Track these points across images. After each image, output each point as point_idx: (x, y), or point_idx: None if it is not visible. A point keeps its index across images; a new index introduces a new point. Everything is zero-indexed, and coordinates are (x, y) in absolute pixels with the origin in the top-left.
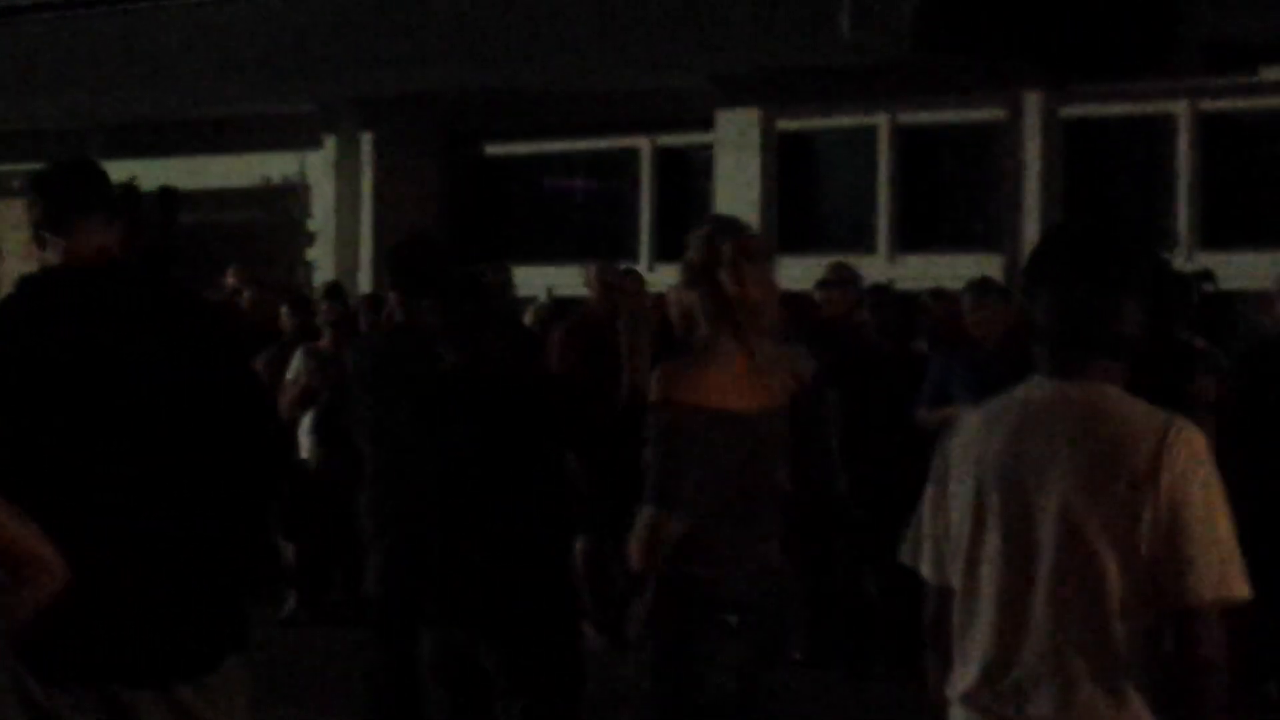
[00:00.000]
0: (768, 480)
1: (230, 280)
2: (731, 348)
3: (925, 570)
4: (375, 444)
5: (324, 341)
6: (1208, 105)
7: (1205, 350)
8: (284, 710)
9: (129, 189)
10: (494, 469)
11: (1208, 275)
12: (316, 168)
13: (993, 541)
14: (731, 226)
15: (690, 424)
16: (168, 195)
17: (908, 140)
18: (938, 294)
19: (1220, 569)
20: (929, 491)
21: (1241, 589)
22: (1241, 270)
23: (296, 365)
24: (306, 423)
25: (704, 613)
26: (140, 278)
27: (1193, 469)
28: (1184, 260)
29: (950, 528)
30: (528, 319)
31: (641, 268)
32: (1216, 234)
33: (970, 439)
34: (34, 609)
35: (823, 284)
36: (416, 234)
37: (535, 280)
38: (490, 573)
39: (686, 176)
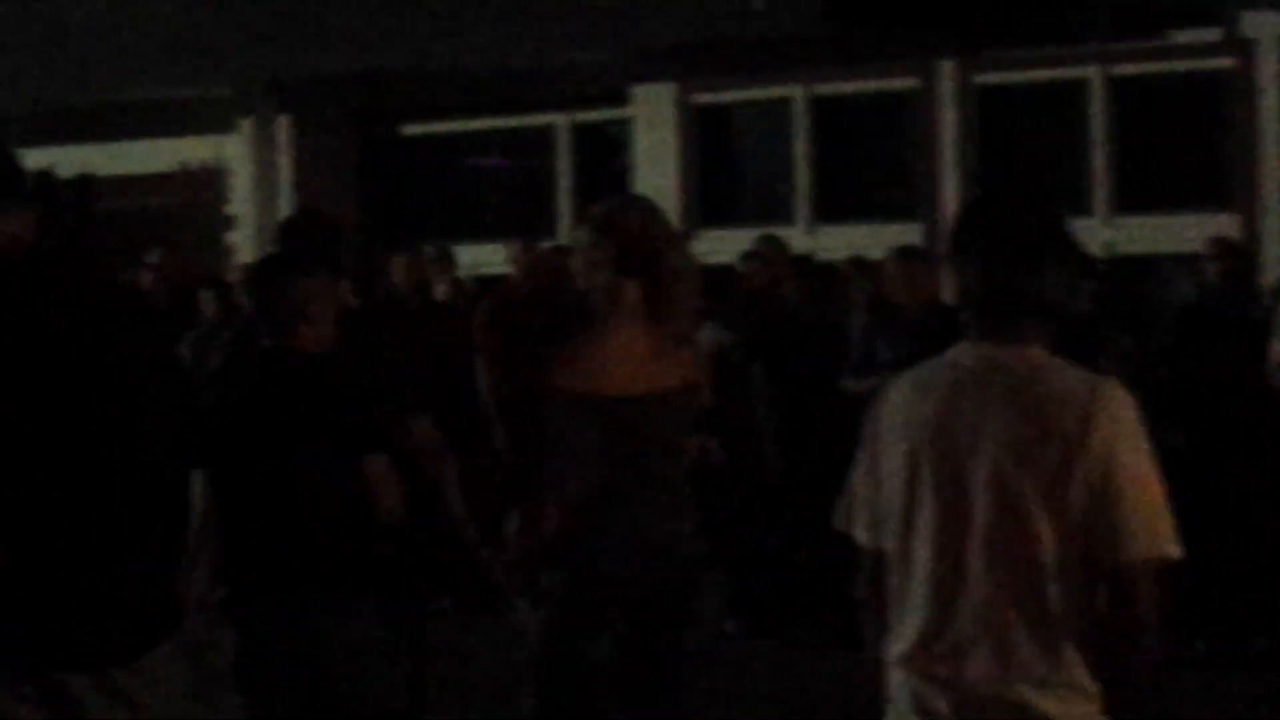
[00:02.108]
0: (659, 462)
1: (152, 263)
2: (624, 329)
3: (859, 535)
4: None
5: None
6: (1119, 70)
7: (1110, 333)
8: (224, 692)
9: (45, 177)
10: (298, 454)
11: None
12: (233, 151)
13: (926, 505)
14: (641, 205)
15: (565, 412)
16: (84, 182)
17: (823, 111)
18: (858, 263)
19: (1151, 529)
20: (861, 457)
21: (1173, 548)
22: (1155, 234)
23: None
24: None
25: (581, 590)
26: (55, 267)
27: (1122, 430)
28: (1100, 224)
29: (883, 492)
30: (439, 294)
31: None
32: (1130, 198)
33: (901, 404)
34: None
35: (747, 256)
36: (306, 213)
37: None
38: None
39: (604, 152)
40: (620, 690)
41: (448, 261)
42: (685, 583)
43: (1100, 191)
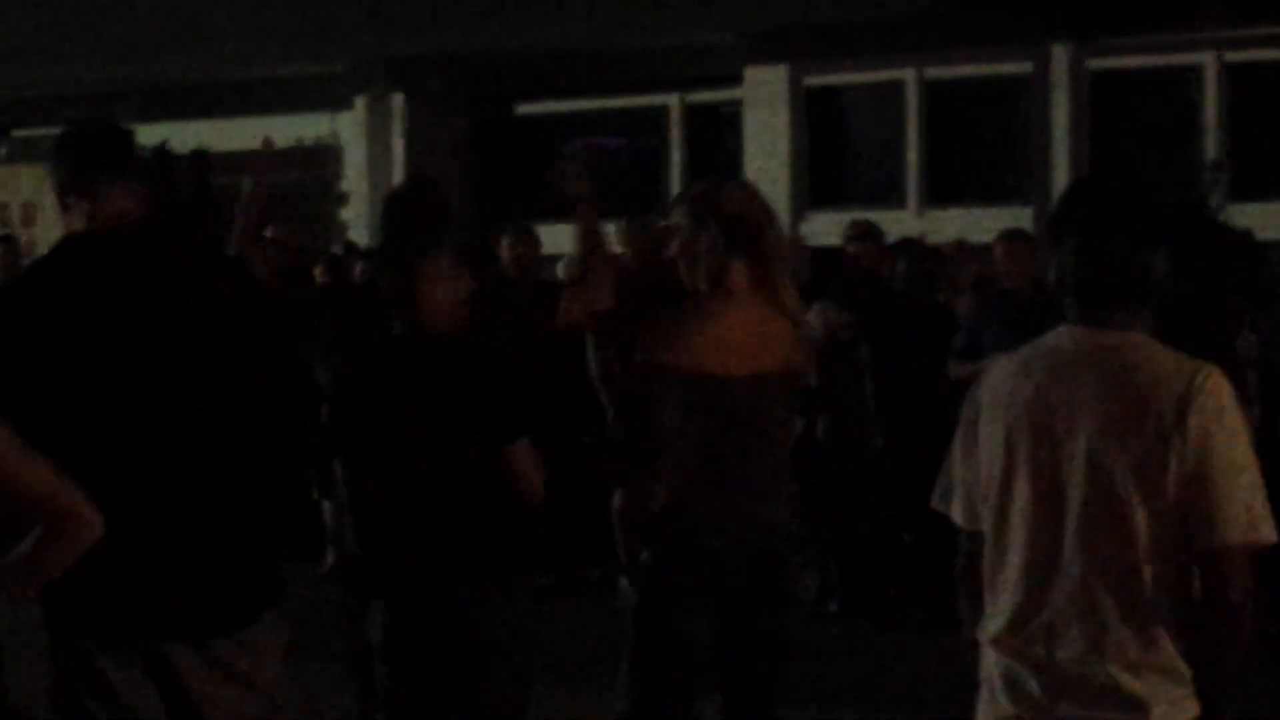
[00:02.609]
0: (760, 442)
1: (264, 239)
2: (729, 309)
3: (956, 515)
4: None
5: None
6: (1234, 56)
7: (1248, 308)
8: (321, 663)
9: (162, 152)
10: (443, 439)
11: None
12: (348, 128)
13: (1022, 487)
14: (739, 185)
15: (670, 391)
16: (200, 157)
17: (935, 94)
18: (962, 246)
19: (1247, 514)
20: (959, 438)
21: (1269, 533)
22: (1270, 220)
23: None
24: None
25: (680, 567)
26: (165, 239)
27: (1219, 416)
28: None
29: (980, 473)
30: (561, 274)
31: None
32: (1245, 184)
33: (1000, 386)
34: (69, 562)
35: (854, 237)
36: (415, 184)
37: (566, 239)
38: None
39: (716, 133)
40: (716, 669)
41: (532, 240)
42: (783, 563)
43: (1213, 178)
